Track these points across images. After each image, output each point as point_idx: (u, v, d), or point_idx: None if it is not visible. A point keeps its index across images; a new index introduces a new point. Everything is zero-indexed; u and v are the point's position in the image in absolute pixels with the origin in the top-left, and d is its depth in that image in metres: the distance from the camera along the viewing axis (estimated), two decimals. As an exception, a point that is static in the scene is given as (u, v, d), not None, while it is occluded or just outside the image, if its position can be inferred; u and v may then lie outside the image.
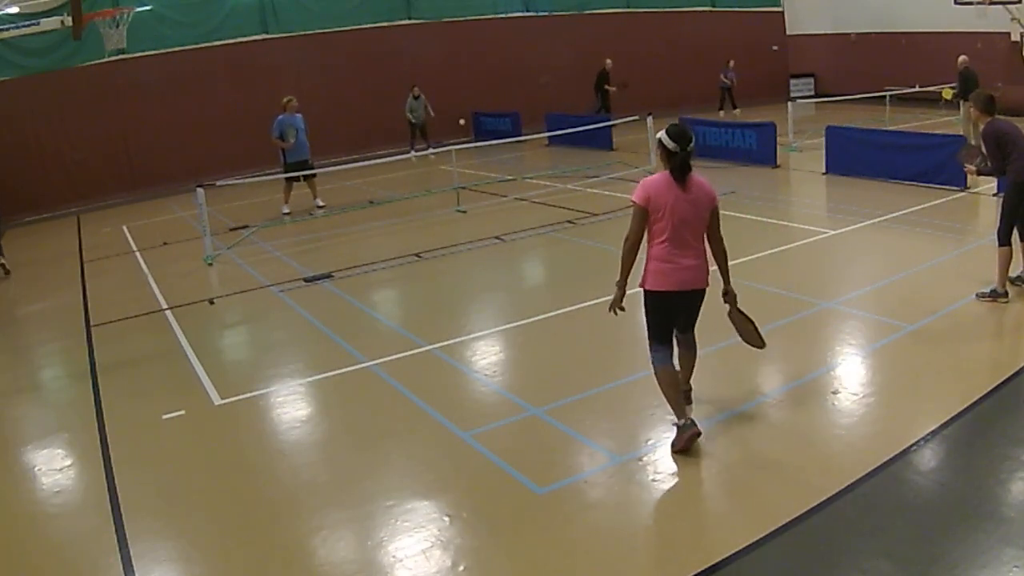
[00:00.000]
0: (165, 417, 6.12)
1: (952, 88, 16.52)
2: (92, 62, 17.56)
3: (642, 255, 4.97)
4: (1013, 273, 7.24)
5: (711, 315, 5.90)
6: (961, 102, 14.93)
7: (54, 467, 5.61)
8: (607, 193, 13.33)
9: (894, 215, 10.45)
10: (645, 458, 4.97)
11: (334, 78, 20.00)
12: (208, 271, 10.76)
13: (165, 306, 9.18)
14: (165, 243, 12.77)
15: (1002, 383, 5.49)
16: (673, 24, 24.98)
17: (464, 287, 9.40)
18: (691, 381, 5.54)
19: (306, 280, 9.66)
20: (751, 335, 5.40)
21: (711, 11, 26.10)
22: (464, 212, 12.77)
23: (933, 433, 4.91)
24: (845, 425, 5.21)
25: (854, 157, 13.06)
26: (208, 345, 7.95)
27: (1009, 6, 20.15)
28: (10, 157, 16.63)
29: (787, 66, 27.12)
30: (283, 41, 19.73)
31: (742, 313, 5.34)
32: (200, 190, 11.11)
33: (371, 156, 16.93)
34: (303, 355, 7.44)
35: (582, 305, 7.76)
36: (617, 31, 23.71)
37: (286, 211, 13.74)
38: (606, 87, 20.86)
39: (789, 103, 17.35)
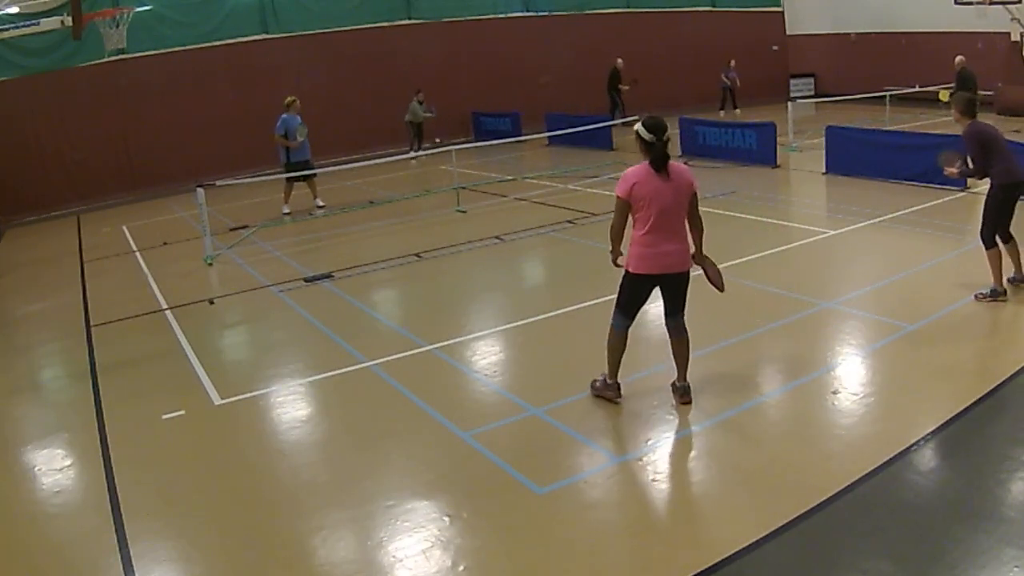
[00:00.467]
0: (165, 417, 6.12)
1: (949, 89, 16.51)
2: (92, 62, 17.55)
3: (627, 240, 5.21)
4: (1008, 274, 7.24)
5: (711, 315, 5.89)
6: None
7: (54, 467, 5.61)
8: (607, 193, 13.24)
9: (894, 215, 10.46)
10: (645, 458, 4.97)
11: (334, 78, 19.99)
12: (208, 271, 10.76)
13: (165, 306, 9.18)
14: (165, 243, 12.77)
15: (1002, 383, 5.49)
16: (673, 24, 25.00)
17: (464, 287, 9.40)
18: (688, 379, 5.55)
19: (306, 280, 9.66)
20: (715, 276, 5.66)
21: (711, 11, 26.12)
22: (464, 212, 12.78)
23: (933, 433, 4.92)
24: (845, 425, 5.21)
25: (854, 157, 13.06)
26: (208, 345, 7.95)
27: (1009, 6, 20.16)
28: (10, 157, 16.63)
29: (787, 66, 27.15)
30: (283, 41, 19.72)
31: (709, 259, 5.65)
32: (200, 190, 11.11)
33: (371, 156, 16.95)
34: (303, 355, 7.44)
35: (582, 305, 7.76)
36: (617, 31, 23.72)
37: (286, 211, 13.74)
38: (620, 86, 20.92)
39: (789, 103, 17.37)
